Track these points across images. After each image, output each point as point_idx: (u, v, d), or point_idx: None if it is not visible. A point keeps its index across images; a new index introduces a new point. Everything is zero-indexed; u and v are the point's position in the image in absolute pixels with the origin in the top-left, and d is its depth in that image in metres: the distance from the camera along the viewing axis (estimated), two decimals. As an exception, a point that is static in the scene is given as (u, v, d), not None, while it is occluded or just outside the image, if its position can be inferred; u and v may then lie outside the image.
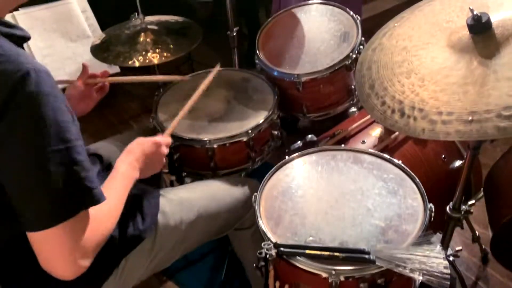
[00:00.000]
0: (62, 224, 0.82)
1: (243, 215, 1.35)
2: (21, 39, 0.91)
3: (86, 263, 0.90)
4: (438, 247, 0.96)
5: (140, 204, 1.16)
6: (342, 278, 0.96)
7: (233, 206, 1.32)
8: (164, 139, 1.24)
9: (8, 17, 1.69)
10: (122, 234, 1.09)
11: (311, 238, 1.04)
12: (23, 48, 0.91)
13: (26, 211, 0.83)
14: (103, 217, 0.94)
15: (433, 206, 1.08)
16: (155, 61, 1.57)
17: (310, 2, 1.82)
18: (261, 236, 1.08)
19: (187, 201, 1.26)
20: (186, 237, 1.24)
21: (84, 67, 1.39)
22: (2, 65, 0.79)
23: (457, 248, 1.36)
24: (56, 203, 0.82)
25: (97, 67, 1.75)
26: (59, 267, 0.87)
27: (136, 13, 1.71)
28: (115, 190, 1.03)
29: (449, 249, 1.36)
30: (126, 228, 1.11)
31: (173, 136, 1.48)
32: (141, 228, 1.13)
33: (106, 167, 1.26)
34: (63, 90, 1.36)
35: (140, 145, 1.17)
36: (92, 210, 0.89)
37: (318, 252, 0.98)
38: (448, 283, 0.92)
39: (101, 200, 0.87)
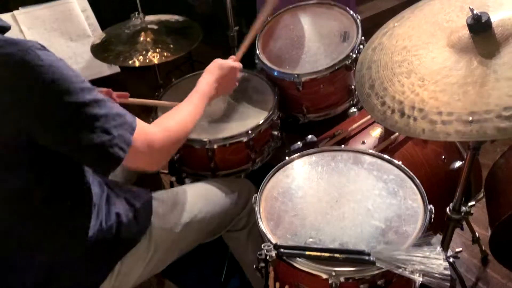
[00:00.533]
0: (130, 149, 0.93)
1: (236, 215, 1.35)
2: (2, 29, 0.92)
3: (166, 160, 1.11)
4: (438, 248, 0.96)
5: (133, 207, 1.16)
6: (342, 279, 0.95)
7: (226, 207, 1.32)
8: (239, 64, 1.41)
9: (8, 17, 1.69)
10: (116, 238, 1.08)
11: (311, 239, 1.03)
12: None
13: (94, 162, 0.95)
14: (174, 126, 1.08)
15: (433, 207, 1.07)
16: (155, 61, 1.57)
17: (310, 1, 1.82)
18: (259, 237, 1.08)
19: (180, 203, 1.26)
20: (181, 238, 1.23)
21: (108, 91, 1.45)
22: (4, 49, 0.82)
23: (457, 250, 1.35)
24: (109, 143, 0.90)
25: (97, 66, 1.75)
26: (145, 168, 1.03)
27: (136, 12, 1.71)
28: (191, 103, 1.20)
29: (449, 250, 1.36)
30: (120, 232, 1.10)
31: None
32: (135, 231, 1.13)
33: None
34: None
35: (219, 69, 1.33)
36: (158, 122, 1.08)
37: (318, 253, 0.98)
38: (448, 284, 0.91)
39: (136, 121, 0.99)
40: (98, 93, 0.91)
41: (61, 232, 1.01)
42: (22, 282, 1.02)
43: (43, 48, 0.86)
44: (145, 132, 1.00)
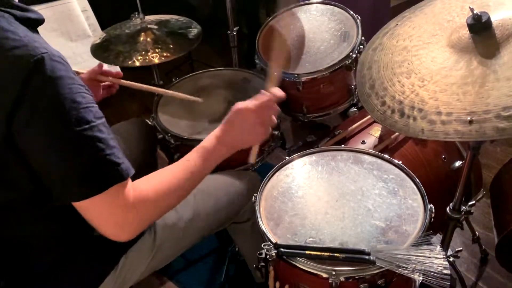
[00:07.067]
0: (97, 197, 0.85)
1: (241, 207, 1.35)
2: (35, 22, 0.91)
3: (133, 233, 0.93)
4: (438, 248, 0.96)
5: None
6: (342, 279, 0.96)
7: (231, 200, 1.32)
8: (264, 100, 1.06)
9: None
10: None
11: (311, 239, 1.04)
12: (37, 32, 0.91)
13: (56, 187, 0.87)
14: (145, 190, 0.94)
15: (433, 207, 1.07)
16: (156, 60, 1.57)
17: (310, 1, 1.82)
18: (261, 236, 1.08)
19: (184, 199, 1.26)
20: (185, 235, 1.23)
21: (100, 65, 1.40)
22: (17, 50, 0.80)
23: (457, 249, 1.36)
24: (84, 180, 0.85)
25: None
26: (108, 233, 0.92)
27: (137, 13, 1.71)
28: (184, 164, 1.02)
29: (449, 249, 1.36)
30: None
31: (173, 136, 1.48)
32: None
33: None
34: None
35: (235, 114, 1.06)
36: (134, 184, 0.93)
37: (318, 253, 0.98)
38: (448, 283, 0.92)
39: (129, 175, 0.89)
40: (97, 130, 0.85)
41: (67, 229, 1.01)
42: (25, 276, 1.02)
43: (60, 59, 0.84)
44: (135, 188, 0.92)
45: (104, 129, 0.87)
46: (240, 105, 1.07)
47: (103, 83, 1.43)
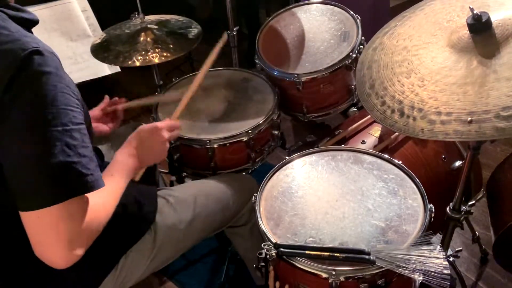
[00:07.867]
0: (53, 207, 0.80)
1: (239, 211, 1.36)
2: (29, 22, 0.92)
3: (79, 251, 0.86)
4: (438, 248, 0.96)
5: (138, 202, 1.16)
6: (342, 279, 0.96)
7: (229, 202, 1.33)
8: (164, 123, 1.20)
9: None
10: (121, 230, 1.09)
11: (311, 239, 1.04)
12: (31, 32, 0.92)
13: (19, 188, 0.81)
14: (98, 206, 0.91)
15: (433, 207, 1.07)
16: (156, 60, 1.57)
17: (310, 1, 1.82)
18: (260, 236, 1.08)
19: (184, 201, 1.26)
20: (185, 236, 1.24)
21: (105, 97, 1.42)
22: (8, 44, 0.81)
23: (457, 249, 1.36)
24: (47, 185, 0.80)
25: (98, 66, 1.75)
26: (51, 253, 0.84)
27: (136, 13, 1.71)
28: (111, 180, 1.00)
29: (449, 249, 1.36)
30: (125, 225, 1.11)
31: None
32: (140, 225, 1.14)
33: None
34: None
35: (138, 133, 1.15)
36: (89, 197, 0.88)
37: (318, 253, 0.98)
38: (448, 283, 0.91)
39: (95, 188, 0.85)
40: (69, 135, 0.81)
41: None
42: (23, 275, 1.02)
43: (51, 55, 0.83)
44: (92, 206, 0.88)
45: (77, 135, 0.83)
46: (144, 125, 1.17)
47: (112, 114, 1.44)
